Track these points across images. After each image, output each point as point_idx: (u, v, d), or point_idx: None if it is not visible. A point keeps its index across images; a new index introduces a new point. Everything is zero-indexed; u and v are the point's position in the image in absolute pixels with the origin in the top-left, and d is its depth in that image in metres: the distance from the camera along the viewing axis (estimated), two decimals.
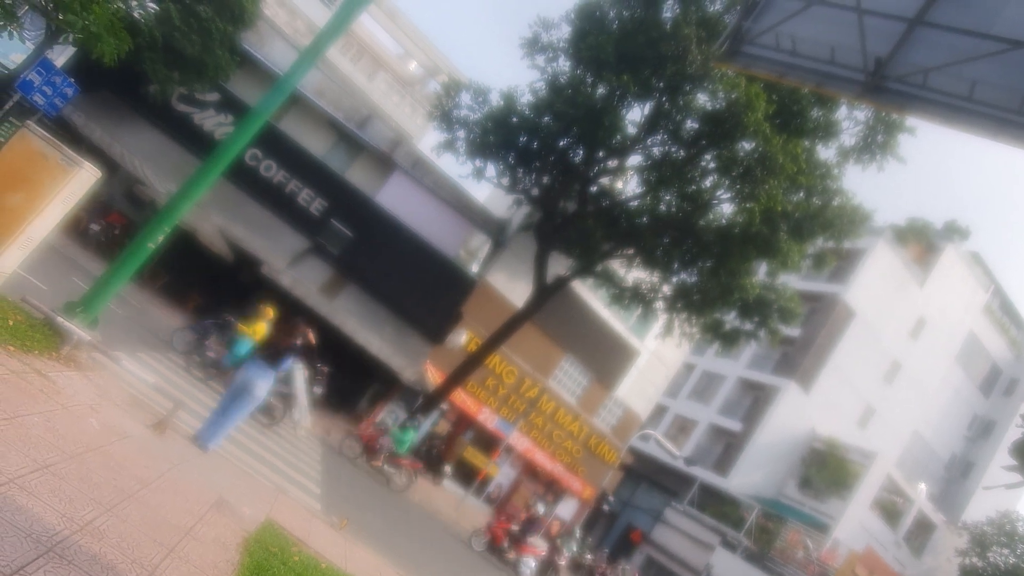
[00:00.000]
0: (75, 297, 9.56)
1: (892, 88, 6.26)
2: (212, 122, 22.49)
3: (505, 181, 22.70)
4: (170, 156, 20.98)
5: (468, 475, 24.19)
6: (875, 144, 18.99)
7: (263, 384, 8.70)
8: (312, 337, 9.89)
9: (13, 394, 6.39)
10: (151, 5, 19.00)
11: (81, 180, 8.41)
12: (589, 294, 26.39)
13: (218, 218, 20.53)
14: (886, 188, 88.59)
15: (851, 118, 19.35)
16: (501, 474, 26.05)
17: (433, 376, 22.94)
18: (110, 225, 20.95)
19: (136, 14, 17.24)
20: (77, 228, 19.09)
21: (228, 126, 21.55)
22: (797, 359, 36.93)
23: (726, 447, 37.26)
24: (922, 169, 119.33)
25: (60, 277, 13.53)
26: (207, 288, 22.24)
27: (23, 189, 8.00)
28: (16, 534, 4.25)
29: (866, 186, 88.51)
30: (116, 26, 11.46)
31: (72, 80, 19.68)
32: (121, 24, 12.07)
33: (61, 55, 21.68)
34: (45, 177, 8.06)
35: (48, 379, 7.35)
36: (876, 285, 37.69)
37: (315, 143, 23.71)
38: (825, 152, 20.31)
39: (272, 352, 9.15)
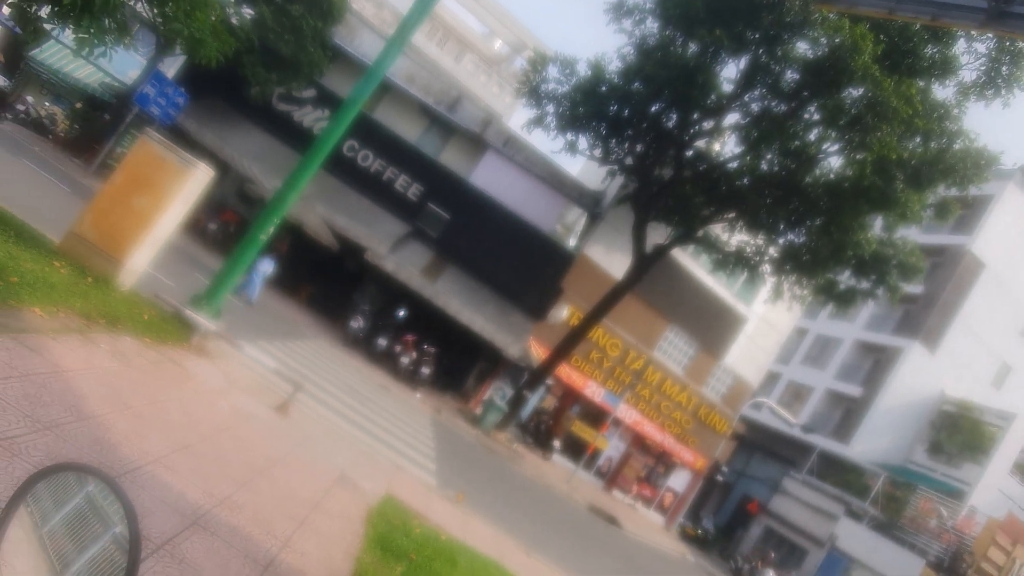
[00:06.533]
0: (199, 291, 10.21)
1: (1019, 12, 5.70)
2: (310, 118, 23.38)
3: (598, 152, 22.35)
4: (274, 154, 21.98)
5: (577, 449, 24.30)
6: (999, 77, 17.35)
7: (267, 267, 17.96)
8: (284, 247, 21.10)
9: (152, 381, 6.93)
10: (247, 11, 19.88)
11: (197, 179, 8.92)
12: (690, 261, 25.73)
13: (322, 209, 21.37)
14: (1014, 126, 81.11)
15: (971, 51, 17.78)
16: (611, 447, 25.99)
17: (537, 352, 23.10)
18: (225, 223, 22.23)
19: (233, 20, 18.08)
20: (196, 227, 20.33)
21: (325, 120, 22.30)
22: (921, 317, 34.67)
23: (845, 413, 35.59)
24: None
25: (184, 273, 14.48)
26: (317, 277, 23.27)
27: (148, 192, 8.58)
28: (164, 509, 4.60)
29: (991, 126, 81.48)
30: (218, 29, 12.14)
31: (182, 90, 20.97)
32: (223, 27, 12.74)
33: (171, 67, 23.07)
34: (165, 179, 8.61)
35: (181, 367, 7.90)
36: (1007, 233, 34.69)
37: (408, 129, 24.20)
38: (942, 92, 18.80)
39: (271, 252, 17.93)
